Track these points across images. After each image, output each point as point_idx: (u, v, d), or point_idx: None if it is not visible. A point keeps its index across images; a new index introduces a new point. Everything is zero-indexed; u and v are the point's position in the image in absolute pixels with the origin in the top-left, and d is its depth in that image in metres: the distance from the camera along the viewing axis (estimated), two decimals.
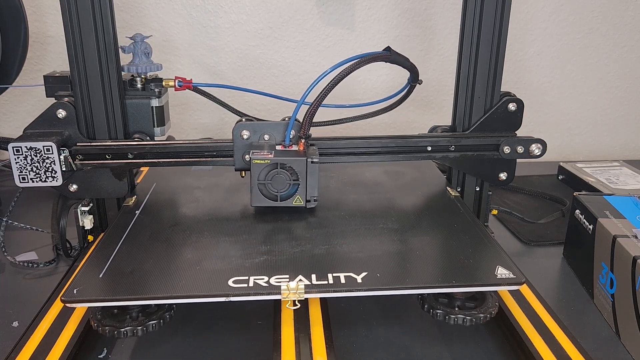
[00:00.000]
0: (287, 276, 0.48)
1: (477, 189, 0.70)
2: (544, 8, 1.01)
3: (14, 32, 0.79)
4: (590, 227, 0.60)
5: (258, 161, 0.59)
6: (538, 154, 0.66)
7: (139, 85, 0.65)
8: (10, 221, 0.69)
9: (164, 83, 0.65)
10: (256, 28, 0.98)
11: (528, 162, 0.69)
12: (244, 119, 0.64)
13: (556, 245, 0.71)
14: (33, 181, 0.60)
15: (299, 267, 0.50)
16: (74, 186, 0.64)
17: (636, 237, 0.55)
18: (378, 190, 0.69)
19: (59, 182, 0.61)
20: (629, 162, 0.95)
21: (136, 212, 0.61)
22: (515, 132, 0.67)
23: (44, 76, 0.64)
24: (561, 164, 0.94)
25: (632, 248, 0.52)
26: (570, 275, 0.65)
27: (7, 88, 0.83)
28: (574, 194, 0.66)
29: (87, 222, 0.64)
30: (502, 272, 0.49)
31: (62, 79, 0.64)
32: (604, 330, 0.55)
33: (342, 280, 0.47)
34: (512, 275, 0.48)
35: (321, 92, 0.60)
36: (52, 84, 0.64)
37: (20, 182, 0.60)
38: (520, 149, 0.66)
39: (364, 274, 0.48)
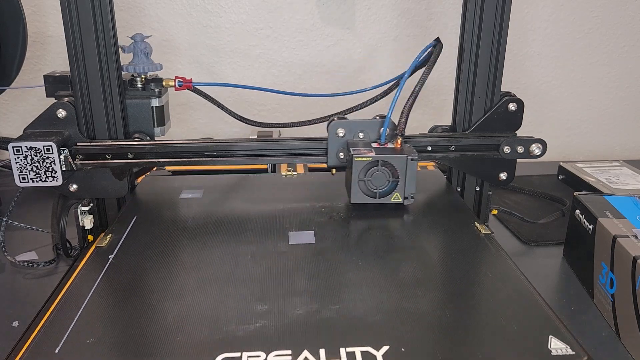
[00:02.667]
0: (289, 352, 0.40)
1: (477, 189, 0.70)
2: (544, 8, 1.01)
3: (13, 32, 0.79)
4: (590, 227, 0.60)
5: (360, 158, 0.60)
6: (538, 154, 0.66)
7: (139, 85, 0.65)
8: (10, 221, 0.69)
9: (164, 83, 0.66)
10: (256, 28, 0.98)
11: (528, 162, 0.69)
12: (336, 118, 0.65)
13: (556, 245, 0.71)
14: (33, 181, 0.60)
15: (303, 337, 0.41)
16: (74, 186, 0.64)
17: (636, 237, 0.55)
18: (395, 225, 0.60)
19: (59, 182, 0.61)
20: (629, 162, 0.95)
21: (109, 256, 0.53)
22: (516, 132, 0.67)
23: (44, 76, 0.64)
24: (561, 164, 0.94)
25: (632, 248, 0.52)
26: (570, 275, 0.65)
27: (6, 89, 0.83)
28: (574, 193, 0.66)
29: (87, 222, 0.64)
30: (556, 345, 0.40)
31: (62, 78, 0.64)
32: (604, 330, 0.55)
33: (358, 358, 0.39)
34: (569, 352, 0.39)
35: (415, 88, 0.62)
36: (52, 83, 0.64)
37: (20, 182, 0.60)
38: (520, 149, 0.66)
39: (385, 348, 0.40)
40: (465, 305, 0.46)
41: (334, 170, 0.66)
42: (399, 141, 0.63)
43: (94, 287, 0.48)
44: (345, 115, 0.69)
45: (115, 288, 0.48)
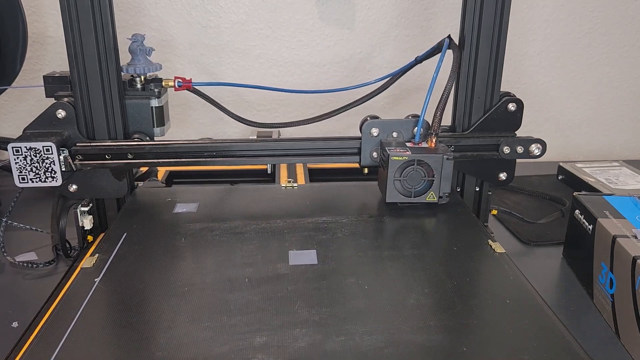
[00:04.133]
0: None
1: (477, 189, 0.70)
2: (544, 8, 1.01)
3: (13, 31, 0.79)
4: (590, 227, 0.60)
5: (396, 158, 0.60)
6: (538, 154, 0.66)
7: (138, 86, 0.65)
8: (10, 221, 0.69)
9: (163, 83, 0.66)
10: (256, 28, 0.98)
11: (528, 162, 0.69)
12: (368, 117, 0.65)
13: (556, 245, 0.71)
14: (33, 181, 0.60)
15: None
16: (74, 186, 0.64)
17: (636, 237, 0.55)
18: (402, 244, 0.56)
19: (58, 182, 0.61)
20: (629, 162, 0.95)
21: (95, 280, 0.49)
22: (515, 132, 0.67)
23: (43, 76, 0.64)
24: (561, 164, 0.94)
25: (632, 248, 0.52)
26: (570, 275, 0.65)
27: (6, 88, 0.83)
28: (574, 194, 0.66)
29: (87, 223, 0.64)
30: None
31: (61, 79, 0.64)
32: (604, 330, 0.55)
33: None
34: None
35: (445, 88, 0.62)
36: (52, 84, 0.64)
37: (20, 182, 0.60)
38: (520, 149, 0.66)
39: None
40: (483, 338, 0.42)
41: (366, 170, 0.66)
42: (434, 140, 0.63)
43: (77, 317, 0.44)
44: (341, 111, 0.69)
45: (99, 318, 0.44)
